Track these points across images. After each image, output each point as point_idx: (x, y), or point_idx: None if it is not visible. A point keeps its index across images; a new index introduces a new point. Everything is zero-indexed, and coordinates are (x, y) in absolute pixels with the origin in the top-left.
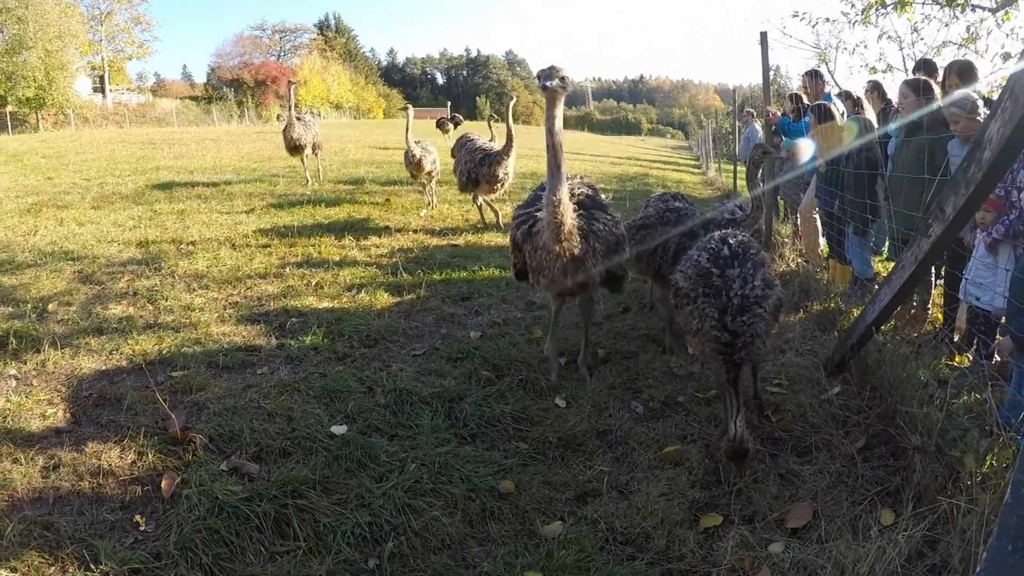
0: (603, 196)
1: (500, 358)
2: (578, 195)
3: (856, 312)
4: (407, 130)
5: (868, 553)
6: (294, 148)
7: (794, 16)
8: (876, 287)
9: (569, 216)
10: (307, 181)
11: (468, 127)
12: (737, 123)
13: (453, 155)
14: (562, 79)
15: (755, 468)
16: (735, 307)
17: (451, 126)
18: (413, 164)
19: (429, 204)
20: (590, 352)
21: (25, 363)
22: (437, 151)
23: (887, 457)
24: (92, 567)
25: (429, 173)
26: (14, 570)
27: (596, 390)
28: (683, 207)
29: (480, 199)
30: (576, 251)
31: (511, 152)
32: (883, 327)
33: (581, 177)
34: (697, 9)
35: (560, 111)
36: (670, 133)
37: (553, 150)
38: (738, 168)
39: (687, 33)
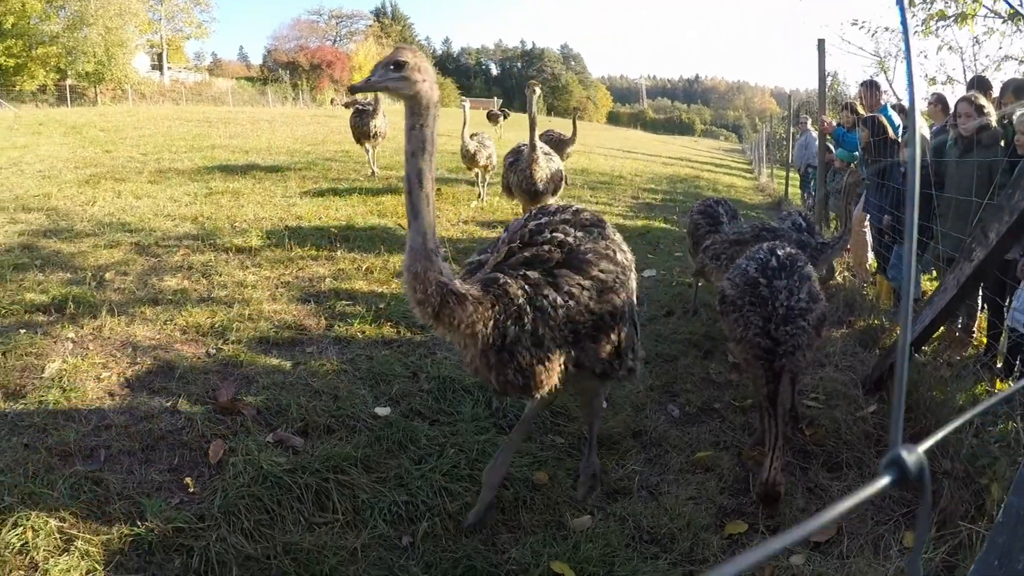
0: (607, 238)
1: None
2: (547, 243)
3: (898, 331)
4: (464, 124)
5: (887, 573)
6: (367, 136)
7: (853, 24)
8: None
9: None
10: (372, 172)
11: (521, 119)
12: (792, 129)
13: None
14: (397, 65)
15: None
16: (779, 317)
17: (501, 118)
18: (468, 158)
19: (479, 196)
20: (593, 465)
21: (82, 327)
22: (493, 144)
23: None
24: (138, 523)
25: (484, 167)
26: (63, 520)
27: (634, 391)
28: (779, 227)
29: (476, 174)
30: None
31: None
32: (924, 348)
33: (576, 209)
34: (756, 10)
35: (421, 120)
36: (723, 135)
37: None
38: (790, 175)
39: (745, 33)
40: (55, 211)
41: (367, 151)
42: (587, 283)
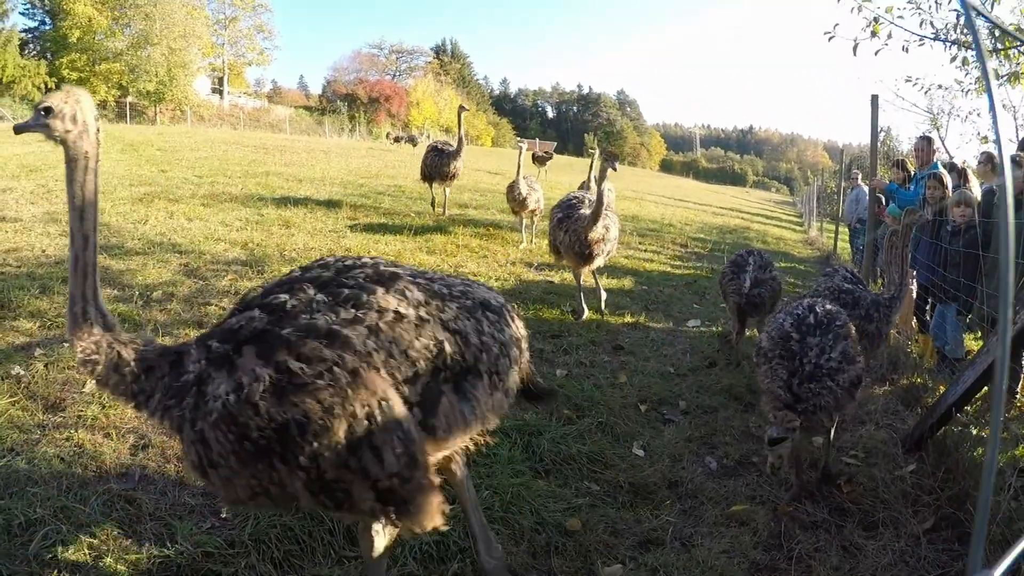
0: (373, 308)
1: (583, 398)
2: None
3: (941, 390)
4: (519, 166)
5: None
6: (443, 177)
7: (907, 81)
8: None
9: None
10: (444, 212)
11: (573, 163)
12: (843, 183)
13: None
14: (46, 110)
15: (819, 537)
16: (805, 373)
17: (547, 160)
18: (518, 201)
19: (528, 240)
20: None
21: None
22: (541, 189)
23: (953, 541)
24: (168, 545)
25: (532, 211)
26: (93, 536)
27: (673, 442)
28: (855, 289)
29: (524, 220)
30: None
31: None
32: (965, 409)
33: (360, 261)
34: (811, 63)
35: (72, 174)
36: (775, 187)
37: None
38: (840, 230)
39: (799, 86)
40: (107, 227)
41: (436, 191)
42: (265, 371)
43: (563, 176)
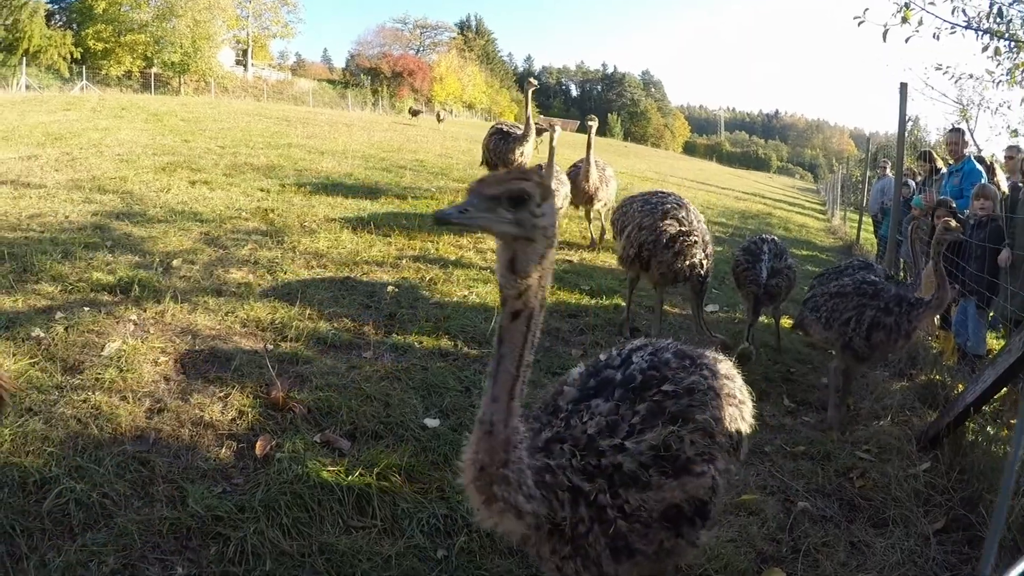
0: None
1: None
2: None
3: (960, 388)
4: (551, 154)
5: None
6: (507, 164)
7: (937, 69)
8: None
9: None
10: (592, 243)
11: (596, 141)
12: (868, 172)
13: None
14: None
15: (827, 531)
16: None
17: (554, 133)
18: (582, 195)
19: (597, 239)
20: None
21: (145, 311)
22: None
23: (963, 544)
24: (179, 507)
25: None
26: (105, 496)
27: None
28: (879, 281)
29: (592, 215)
30: None
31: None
32: (983, 409)
33: None
34: (839, 49)
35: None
36: (799, 174)
37: None
38: (863, 219)
39: (827, 72)
40: (130, 195)
41: (588, 217)
42: None
43: (577, 153)
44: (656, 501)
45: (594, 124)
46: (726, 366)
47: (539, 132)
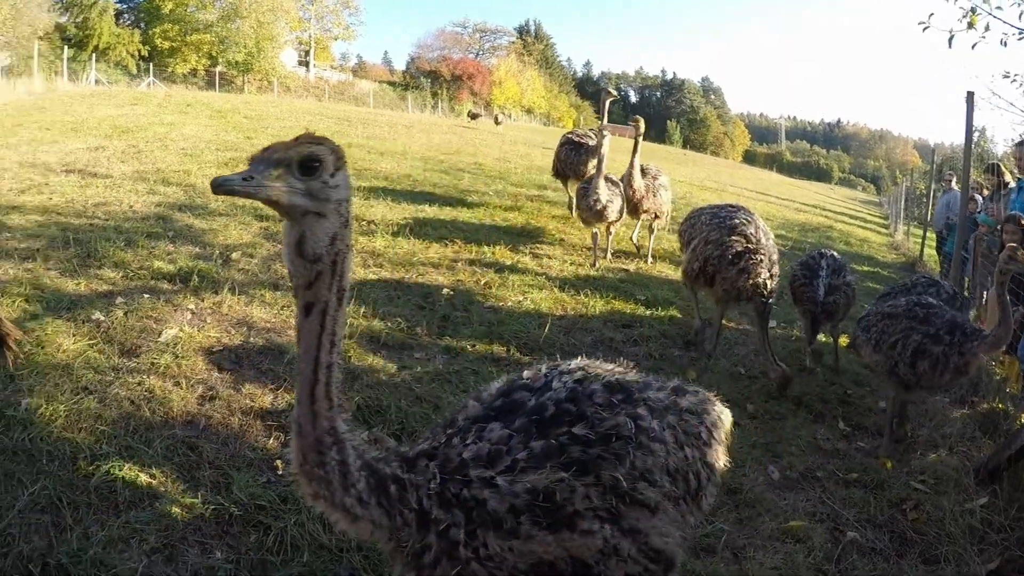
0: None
1: None
2: None
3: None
4: (600, 161)
5: None
6: (579, 175)
7: (1005, 77)
8: None
9: None
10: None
11: (654, 150)
12: (933, 185)
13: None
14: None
15: (876, 565)
16: None
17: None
18: (593, 211)
19: (644, 252)
20: None
21: (203, 300)
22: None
23: None
24: (223, 493)
25: (654, 216)
26: (152, 477)
27: (736, 446)
28: (935, 304)
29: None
30: None
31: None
32: None
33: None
34: (903, 56)
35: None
36: (861, 185)
37: None
38: (927, 235)
39: (891, 80)
40: (192, 188)
41: (572, 189)
42: None
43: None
44: (523, 554)
45: (640, 125)
46: (693, 400)
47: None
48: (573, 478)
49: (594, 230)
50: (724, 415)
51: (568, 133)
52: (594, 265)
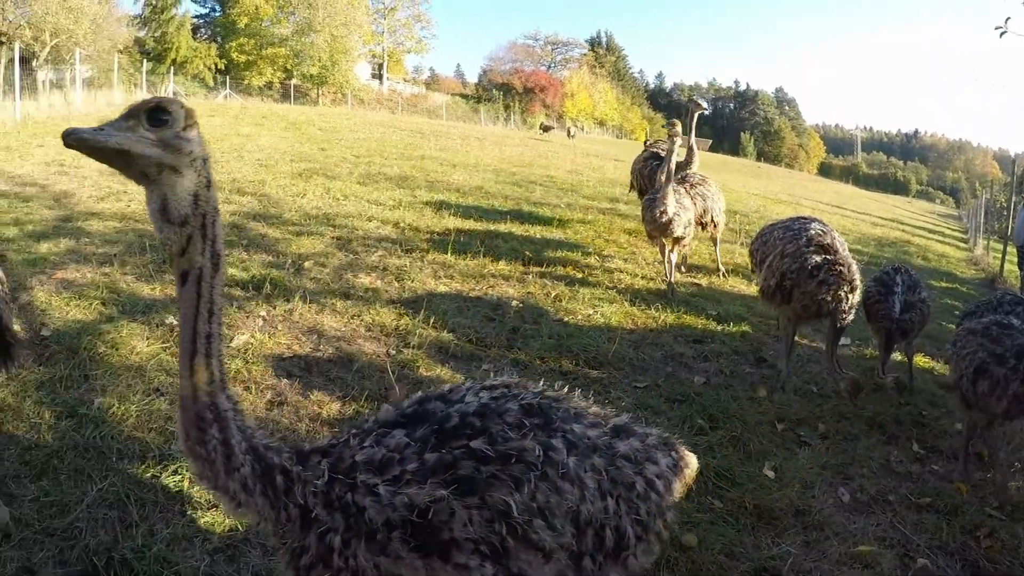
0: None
1: (718, 409)
2: None
3: None
4: (669, 173)
5: None
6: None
7: None
8: None
9: None
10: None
11: (728, 162)
12: (1015, 198)
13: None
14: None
15: None
16: None
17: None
18: (658, 224)
19: (721, 270)
20: None
21: (275, 308)
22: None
23: None
24: None
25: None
26: None
27: (806, 466)
28: (1014, 326)
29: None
30: None
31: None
32: None
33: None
34: (983, 63)
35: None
36: (939, 198)
37: None
38: (1008, 250)
39: (969, 88)
40: (267, 198)
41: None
42: None
43: (712, 175)
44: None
45: (679, 141)
46: (635, 446)
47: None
48: (455, 498)
49: (666, 250)
50: (686, 464)
51: (651, 146)
52: (670, 290)
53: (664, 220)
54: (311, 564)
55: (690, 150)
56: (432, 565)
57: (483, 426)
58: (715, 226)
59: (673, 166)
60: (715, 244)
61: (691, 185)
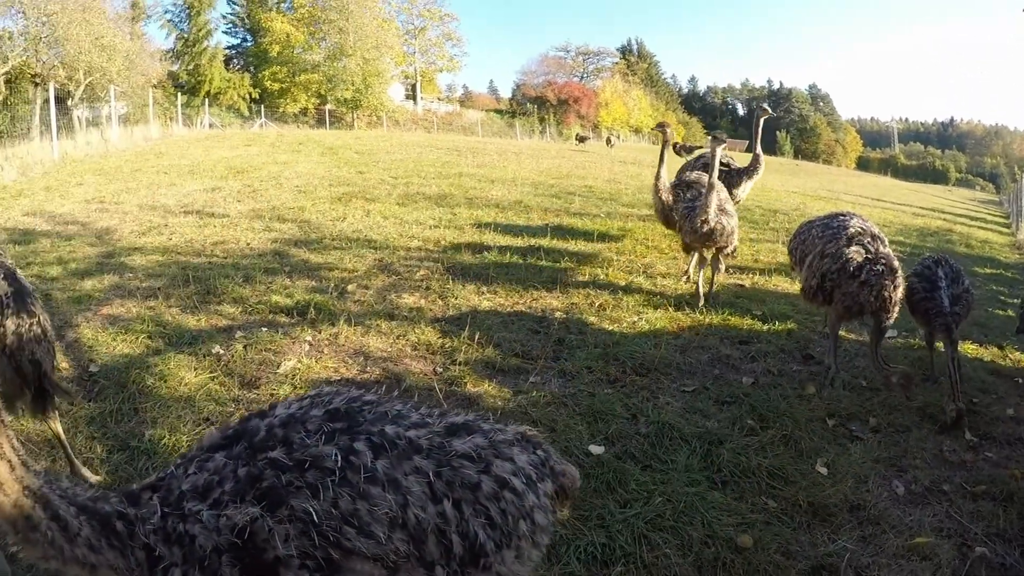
0: None
1: (768, 408)
2: None
3: None
4: (712, 173)
5: None
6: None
7: None
8: None
9: None
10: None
11: (767, 162)
12: None
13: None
14: None
15: None
16: None
17: (685, 154)
18: (701, 235)
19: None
20: None
21: (320, 332)
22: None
23: None
24: None
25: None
26: None
27: (859, 461)
28: None
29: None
30: None
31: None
32: None
33: None
34: (1012, 47)
35: None
36: (979, 185)
37: None
38: None
39: (1003, 73)
40: (307, 223)
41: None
42: None
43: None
44: None
45: (668, 129)
46: (478, 442)
47: (689, 150)
48: (267, 512)
49: (701, 260)
50: (557, 462)
51: (704, 152)
52: (701, 302)
53: (706, 230)
54: None
55: (756, 156)
56: None
57: (284, 435)
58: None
59: (716, 174)
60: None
61: (687, 186)
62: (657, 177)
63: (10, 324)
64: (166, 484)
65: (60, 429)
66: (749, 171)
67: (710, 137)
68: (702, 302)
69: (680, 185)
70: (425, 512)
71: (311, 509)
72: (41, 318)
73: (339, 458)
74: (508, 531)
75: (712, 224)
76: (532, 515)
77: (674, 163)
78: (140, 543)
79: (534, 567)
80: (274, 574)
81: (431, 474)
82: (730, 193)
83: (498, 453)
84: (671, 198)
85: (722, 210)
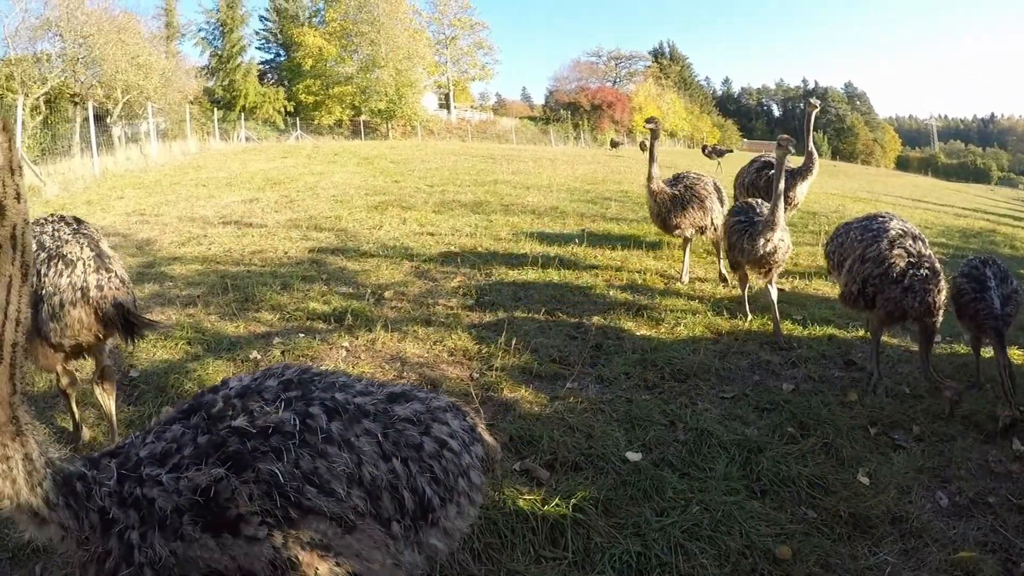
0: None
1: (809, 416)
2: None
3: None
4: (777, 180)
5: None
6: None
7: None
8: None
9: None
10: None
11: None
12: None
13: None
14: None
15: None
16: None
17: (716, 157)
18: (757, 258)
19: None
20: None
21: (357, 338)
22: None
23: None
24: None
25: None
26: None
27: (902, 471)
28: None
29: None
30: None
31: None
32: None
33: None
34: None
35: None
36: (1022, 183)
37: None
38: None
39: None
40: (344, 232)
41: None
42: None
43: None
44: (189, 559)
45: (657, 127)
46: (417, 408)
47: (720, 153)
48: (232, 474)
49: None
50: (479, 430)
51: (761, 156)
52: (748, 318)
53: (769, 249)
54: (115, 566)
55: (809, 155)
56: (224, 542)
57: (243, 405)
58: (715, 230)
59: (782, 185)
60: (718, 250)
61: (686, 186)
62: (649, 177)
63: (92, 279)
64: (124, 451)
65: (113, 406)
66: (803, 172)
67: (775, 143)
68: (749, 318)
69: (675, 183)
70: (378, 469)
71: (276, 471)
72: (118, 271)
73: (297, 422)
74: (450, 487)
75: (775, 243)
76: (468, 473)
77: (701, 165)
78: (96, 506)
79: (470, 524)
80: (235, 530)
81: (379, 435)
82: (785, 197)
83: (435, 418)
84: (666, 195)
85: (784, 228)
